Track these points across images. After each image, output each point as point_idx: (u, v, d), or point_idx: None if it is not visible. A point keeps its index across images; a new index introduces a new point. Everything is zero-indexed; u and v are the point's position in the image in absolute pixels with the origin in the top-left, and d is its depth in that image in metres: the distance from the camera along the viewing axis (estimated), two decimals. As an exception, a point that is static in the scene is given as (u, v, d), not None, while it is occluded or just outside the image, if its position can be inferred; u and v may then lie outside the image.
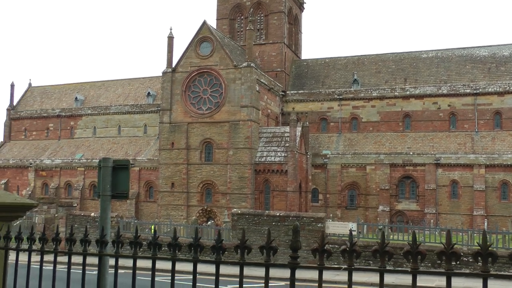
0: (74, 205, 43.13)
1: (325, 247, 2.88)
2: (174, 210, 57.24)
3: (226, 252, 3.18)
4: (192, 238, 3.41)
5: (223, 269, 5.93)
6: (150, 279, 3.66)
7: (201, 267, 3.20)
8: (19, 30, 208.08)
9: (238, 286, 3.00)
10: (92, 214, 37.92)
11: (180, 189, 57.54)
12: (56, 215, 38.92)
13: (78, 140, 76.42)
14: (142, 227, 43.08)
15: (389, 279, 20.17)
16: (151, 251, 3.64)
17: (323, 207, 59.50)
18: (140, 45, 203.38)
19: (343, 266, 2.90)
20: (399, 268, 19.88)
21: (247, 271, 22.64)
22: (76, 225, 35.86)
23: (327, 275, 19.43)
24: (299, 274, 3.08)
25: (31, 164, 74.35)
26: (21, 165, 75.61)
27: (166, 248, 3.58)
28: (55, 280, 4.03)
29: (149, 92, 73.07)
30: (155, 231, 5.10)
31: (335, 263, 24.56)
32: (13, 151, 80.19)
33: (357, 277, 18.74)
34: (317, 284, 2.92)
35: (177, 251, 3.59)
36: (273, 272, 22.17)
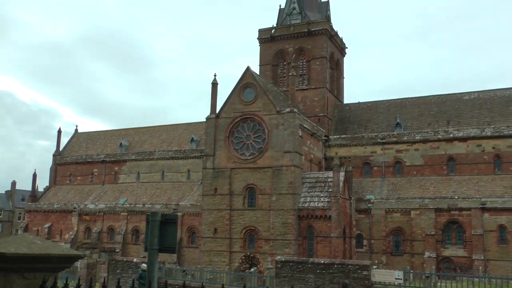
0: (116, 250, 43.38)
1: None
2: (217, 256, 56.82)
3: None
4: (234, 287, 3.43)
5: None
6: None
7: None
8: (62, 80, 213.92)
9: None
10: (135, 259, 37.98)
11: (223, 235, 57.21)
12: (98, 260, 39.23)
13: (122, 185, 77.41)
14: (184, 274, 42.90)
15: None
16: None
17: (368, 253, 58.25)
18: (184, 92, 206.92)
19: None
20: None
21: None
22: (118, 271, 36.06)
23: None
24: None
25: (75, 208, 75.54)
26: (65, 209, 76.92)
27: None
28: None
29: (192, 138, 73.78)
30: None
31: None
32: (57, 195, 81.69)
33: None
34: None
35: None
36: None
